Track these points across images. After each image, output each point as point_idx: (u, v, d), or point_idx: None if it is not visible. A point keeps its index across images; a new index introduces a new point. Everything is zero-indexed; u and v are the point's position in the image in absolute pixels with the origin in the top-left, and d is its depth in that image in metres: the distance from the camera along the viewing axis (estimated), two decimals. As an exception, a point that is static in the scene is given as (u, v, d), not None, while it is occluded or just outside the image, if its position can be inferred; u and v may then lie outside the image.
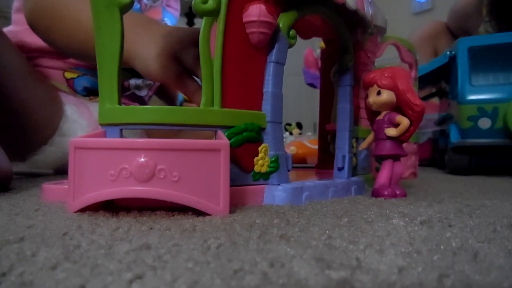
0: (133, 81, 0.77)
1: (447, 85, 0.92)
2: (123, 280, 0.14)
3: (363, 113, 0.47)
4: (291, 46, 0.35)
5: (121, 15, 0.29)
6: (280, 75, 0.35)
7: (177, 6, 0.84)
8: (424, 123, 0.97)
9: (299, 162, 0.92)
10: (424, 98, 1.08)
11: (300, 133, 1.20)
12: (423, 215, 0.28)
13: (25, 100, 0.62)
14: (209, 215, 0.27)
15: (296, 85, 1.95)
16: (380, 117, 0.39)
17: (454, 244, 0.20)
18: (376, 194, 0.38)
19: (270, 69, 0.34)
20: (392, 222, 0.26)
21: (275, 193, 0.33)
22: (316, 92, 0.58)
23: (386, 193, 0.37)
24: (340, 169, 0.42)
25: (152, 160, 0.25)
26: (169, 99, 0.91)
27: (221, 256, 0.17)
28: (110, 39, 0.29)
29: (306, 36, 0.45)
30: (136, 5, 0.74)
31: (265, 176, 0.34)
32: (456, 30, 1.34)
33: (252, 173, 0.33)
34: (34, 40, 0.66)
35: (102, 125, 0.31)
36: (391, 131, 0.37)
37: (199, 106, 0.31)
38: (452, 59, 0.84)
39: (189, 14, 2.08)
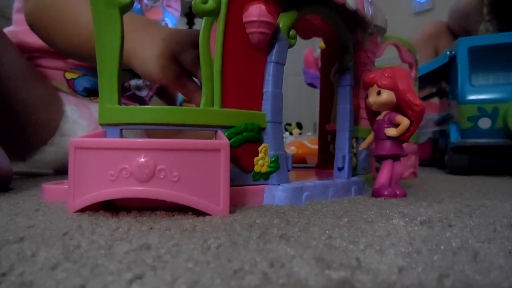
0: (133, 82, 0.77)
1: (447, 85, 0.92)
2: (123, 280, 0.14)
3: (363, 113, 0.47)
4: (291, 46, 0.35)
5: (121, 15, 0.29)
6: (280, 75, 0.35)
7: (178, 6, 0.84)
8: (424, 123, 0.97)
9: (299, 162, 0.92)
10: (424, 98, 1.08)
11: (300, 133, 1.19)
12: (423, 215, 0.28)
13: (25, 100, 0.62)
14: (209, 215, 0.27)
15: (296, 85, 1.95)
16: (380, 117, 0.39)
17: (454, 244, 0.20)
18: (376, 194, 0.38)
19: (270, 69, 0.34)
20: (392, 222, 0.26)
21: (275, 193, 0.33)
22: (316, 92, 0.58)
23: (386, 193, 0.37)
24: (340, 169, 0.42)
25: (152, 160, 0.25)
26: (170, 100, 0.91)
27: (221, 256, 0.17)
28: (110, 39, 0.29)
29: (306, 36, 0.45)
30: (137, 5, 0.74)
31: (265, 176, 0.34)
32: (456, 29, 1.34)
33: (252, 173, 0.33)
34: (34, 40, 0.66)
35: (102, 125, 0.31)
36: (391, 131, 0.37)
37: (198, 107, 0.31)
38: (452, 59, 0.84)
39: (189, 14, 2.08)
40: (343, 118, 0.42)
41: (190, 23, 2.11)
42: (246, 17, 0.32)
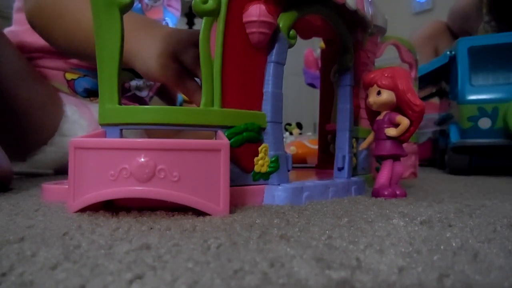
0: (134, 83, 0.77)
1: (447, 85, 0.92)
2: (123, 280, 0.14)
3: (363, 113, 0.47)
4: (291, 46, 0.35)
5: (121, 15, 0.29)
6: (280, 75, 0.35)
7: (178, 6, 0.84)
8: (424, 123, 0.97)
9: (299, 162, 0.92)
10: (424, 98, 1.08)
11: (300, 133, 1.19)
12: (423, 215, 0.28)
13: (25, 100, 0.62)
14: (209, 215, 0.27)
15: (296, 85, 1.95)
16: (380, 117, 0.39)
17: (454, 244, 0.20)
18: (376, 194, 0.38)
19: (270, 69, 0.34)
20: (392, 222, 0.26)
21: (275, 193, 0.33)
22: (316, 92, 0.58)
23: (386, 193, 0.37)
24: (340, 169, 0.42)
25: (152, 160, 0.25)
26: (170, 100, 0.91)
27: (221, 256, 0.17)
28: (110, 39, 0.29)
29: (306, 36, 0.45)
30: (137, 5, 0.74)
31: (265, 176, 0.34)
32: (456, 30, 1.34)
33: (252, 173, 0.33)
34: (35, 40, 0.66)
35: (102, 125, 0.31)
36: (391, 131, 0.37)
37: (199, 106, 0.31)
38: (452, 59, 0.84)
39: (189, 14, 2.08)
40: (343, 118, 0.42)
41: (190, 23, 2.11)
42: (246, 17, 0.32)
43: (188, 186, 0.26)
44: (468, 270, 0.16)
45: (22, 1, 0.64)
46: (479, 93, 0.76)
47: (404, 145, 0.39)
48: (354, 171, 0.44)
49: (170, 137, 0.65)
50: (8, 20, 0.76)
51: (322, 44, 0.54)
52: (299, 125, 1.24)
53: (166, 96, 0.90)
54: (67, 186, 0.28)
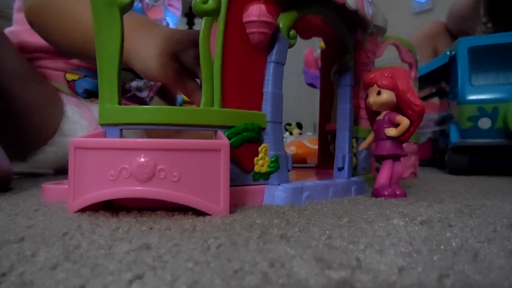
0: (134, 83, 0.77)
1: (447, 85, 0.92)
2: (123, 280, 0.14)
3: (363, 113, 0.47)
4: (291, 46, 0.35)
5: (121, 15, 0.29)
6: (280, 75, 0.35)
7: (179, 5, 0.84)
8: (424, 123, 0.97)
9: (299, 162, 0.92)
10: (424, 98, 1.08)
11: (300, 133, 1.20)
12: (423, 215, 0.28)
13: (25, 100, 0.62)
14: (209, 215, 0.27)
15: (296, 85, 1.95)
16: (380, 117, 0.39)
17: (454, 244, 0.20)
18: (376, 194, 0.38)
19: (270, 69, 0.34)
20: (392, 222, 0.26)
21: (275, 193, 0.33)
22: (316, 92, 0.58)
23: (386, 193, 0.37)
24: (340, 169, 0.42)
25: (152, 160, 0.25)
26: (170, 100, 0.91)
27: (221, 256, 0.17)
28: (110, 39, 0.29)
29: (306, 36, 0.45)
30: (138, 5, 0.74)
31: (265, 176, 0.34)
32: (455, 30, 1.34)
33: (252, 173, 0.33)
34: (35, 39, 0.66)
35: (102, 125, 0.31)
36: (391, 131, 0.37)
37: (198, 106, 0.31)
38: (452, 59, 0.84)
39: (189, 14, 2.08)
40: (343, 118, 0.42)
41: (190, 23, 2.11)
42: (246, 17, 0.32)
43: (188, 186, 0.26)
44: (468, 270, 0.16)
45: (22, 1, 0.64)
46: (479, 93, 0.76)
47: (404, 145, 0.39)
48: (354, 171, 0.44)
49: (170, 137, 0.65)
50: (8, 20, 0.76)
51: (322, 44, 0.54)
52: (299, 125, 1.24)
53: (166, 96, 0.90)
54: (67, 186, 0.28)
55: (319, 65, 0.59)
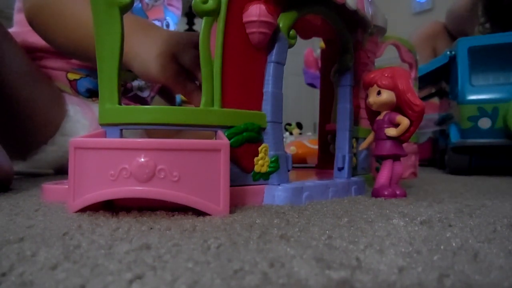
0: (135, 83, 0.77)
1: (447, 85, 0.92)
2: (123, 280, 0.14)
3: (363, 113, 0.47)
4: (291, 46, 0.35)
5: (121, 15, 0.29)
6: (280, 75, 0.35)
7: (179, 5, 0.84)
8: (424, 123, 0.97)
9: (299, 162, 0.92)
10: (424, 98, 1.08)
11: (300, 133, 1.19)
12: (423, 215, 0.28)
13: (28, 99, 0.62)
14: (209, 215, 0.27)
15: (296, 85, 1.95)
16: (380, 117, 0.39)
17: (454, 244, 0.20)
18: (376, 194, 0.38)
19: (270, 69, 0.34)
20: (392, 222, 0.26)
21: (275, 193, 0.33)
22: (316, 92, 0.58)
23: (386, 193, 0.37)
24: (340, 169, 0.42)
25: (152, 160, 0.25)
26: (171, 100, 0.91)
27: (221, 256, 0.17)
28: (110, 39, 0.29)
29: (306, 36, 0.45)
30: (138, 5, 0.74)
31: (265, 176, 0.34)
32: (453, 31, 1.35)
33: (252, 173, 0.33)
34: (36, 40, 0.66)
35: (102, 125, 0.31)
36: (391, 131, 0.37)
37: (197, 106, 0.31)
38: (452, 59, 0.84)
39: (189, 14, 2.07)
40: (343, 118, 0.42)
41: (190, 23, 2.11)
42: (246, 17, 0.32)
43: (188, 186, 0.26)
44: (468, 270, 0.16)
45: (22, 1, 0.64)
46: (479, 93, 0.76)
47: (404, 145, 0.39)
48: (354, 171, 0.44)
49: (170, 137, 0.65)
50: (9, 20, 0.76)
51: (322, 44, 0.54)
52: (299, 125, 1.24)
53: (167, 95, 0.90)
54: (67, 186, 0.28)
55: (319, 65, 0.59)
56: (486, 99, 0.76)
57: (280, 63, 0.35)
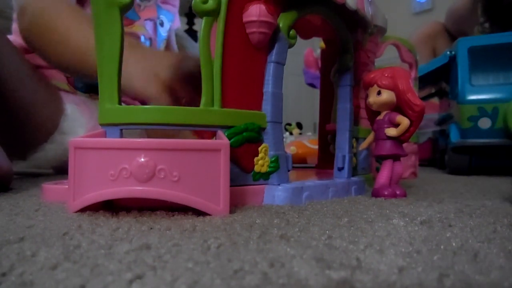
0: None
1: (447, 85, 0.92)
2: (123, 280, 0.14)
3: (363, 113, 0.47)
4: (291, 46, 0.35)
5: (121, 15, 0.29)
6: (280, 75, 0.35)
7: (175, 2, 0.84)
8: (424, 123, 0.97)
9: (299, 162, 0.92)
10: (424, 98, 1.08)
11: (300, 133, 1.19)
12: (423, 215, 0.28)
13: (25, 98, 0.62)
14: (209, 215, 0.27)
15: (296, 85, 1.95)
16: (380, 117, 0.39)
17: (454, 244, 0.20)
18: (376, 194, 0.38)
19: (270, 69, 0.34)
20: (392, 222, 0.26)
21: (275, 193, 0.33)
22: (316, 92, 0.58)
23: (386, 193, 0.37)
24: (340, 169, 0.42)
25: (152, 160, 0.25)
26: (174, 99, 0.91)
27: (221, 256, 0.17)
28: (110, 39, 0.29)
29: (306, 36, 0.45)
30: None
31: (265, 176, 0.34)
32: (453, 31, 1.35)
33: (252, 173, 0.33)
34: None
35: (102, 125, 0.31)
36: (391, 131, 0.37)
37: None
38: (452, 59, 0.84)
39: (189, 14, 2.08)
40: (343, 118, 0.42)
41: (190, 23, 2.11)
42: (246, 17, 0.32)
43: (188, 186, 0.26)
44: (468, 270, 0.16)
45: (17, 22, 0.65)
46: (479, 93, 0.76)
47: (404, 145, 0.39)
48: (354, 171, 0.44)
49: (170, 137, 0.66)
50: (8, 20, 0.76)
51: (322, 44, 0.54)
52: (299, 125, 1.24)
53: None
54: (67, 186, 0.28)
55: (319, 65, 0.59)
56: (486, 99, 0.76)
57: (280, 63, 0.35)
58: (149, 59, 0.48)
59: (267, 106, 0.34)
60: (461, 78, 0.79)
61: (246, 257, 0.17)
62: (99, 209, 0.28)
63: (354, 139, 0.45)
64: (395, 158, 0.39)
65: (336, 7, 0.37)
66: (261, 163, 0.33)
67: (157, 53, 0.53)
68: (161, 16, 0.81)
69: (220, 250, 0.19)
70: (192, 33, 1.60)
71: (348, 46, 0.42)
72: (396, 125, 0.37)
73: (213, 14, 0.30)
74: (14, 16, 0.73)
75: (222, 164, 0.27)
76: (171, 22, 0.84)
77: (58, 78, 0.71)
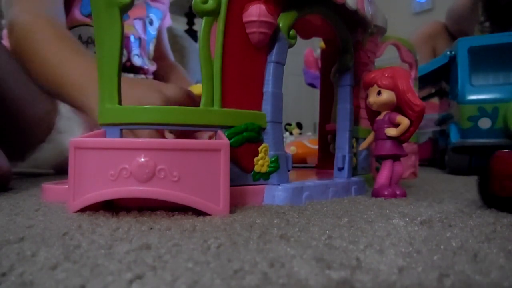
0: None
1: (447, 85, 0.92)
2: (123, 280, 0.14)
3: (363, 113, 0.47)
4: (291, 46, 0.35)
5: (121, 15, 0.29)
6: (280, 75, 0.35)
7: None
8: (424, 123, 0.97)
9: (299, 162, 0.92)
10: (424, 98, 1.08)
11: (300, 133, 1.19)
12: (423, 215, 0.28)
13: (16, 97, 0.62)
14: (209, 215, 0.27)
15: (296, 85, 1.95)
16: (380, 117, 0.39)
17: (454, 244, 0.20)
18: (376, 194, 0.38)
19: (270, 69, 0.34)
20: (392, 222, 0.26)
21: (275, 193, 0.33)
22: (316, 92, 0.58)
23: (386, 193, 0.37)
24: (340, 169, 0.42)
25: (152, 160, 0.25)
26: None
27: (221, 256, 0.17)
28: (110, 39, 0.29)
29: (306, 36, 0.45)
30: None
31: (265, 176, 0.34)
32: (453, 30, 1.35)
33: (252, 173, 0.33)
34: None
35: (102, 125, 0.31)
36: (391, 131, 0.37)
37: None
38: (452, 59, 0.84)
39: (189, 14, 2.08)
40: (343, 118, 0.42)
41: (190, 23, 2.11)
42: (246, 17, 0.32)
43: (188, 186, 0.26)
44: (468, 270, 0.16)
45: (7, 32, 0.66)
46: (479, 93, 0.76)
47: (404, 145, 0.39)
48: (354, 171, 0.44)
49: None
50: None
51: (322, 44, 0.54)
52: (299, 125, 1.24)
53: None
54: (67, 186, 0.28)
55: (319, 65, 0.59)
56: (486, 99, 0.75)
57: (280, 63, 0.35)
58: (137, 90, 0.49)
59: (267, 106, 0.34)
60: (461, 78, 0.79)
61: (246, 257, 0.17)
62: (99, 209, 0.28)
63: (354, 139, 0.45)
64: (395, 158, 0.39)
65: (336, 7, 0.37)
66: (261, 163, 0.33)
67: (145, 84, 0.54)
68: (150, 14, 0.81)
69: (220, 250, 0.19)
70: (192, 33, 1.60)
71: (348, 46, 0.42)
72: (396, 125, 0.37)
73: (213, 14, 0.30)
74: (4, 22, 0.73)
75: (222, 164, 0.27)
76: (160, 20, 0.84)
77: None
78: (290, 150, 0.94)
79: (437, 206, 0.33)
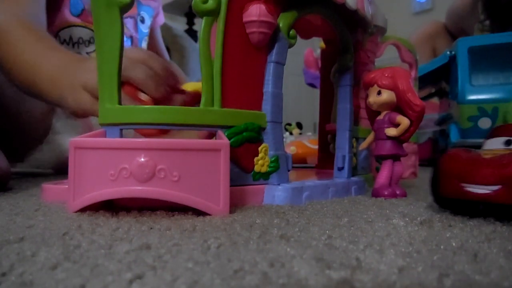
0: None
1: (447, 85, 0.92)
2: (123, 280, 0.14)
3: (363, 113, 0.47)
4: (291, 46, 0.35)
5: (121, 15, 0.29)
6: (280, 75, 0.35)
7: None
8: (424, 123, 0.97)
9: (299, 162, 0.92)
10: (424, 98, 1.08)
11: (300, 133, 1.19)
12: (423, 215, 0.28)
13: (14, 99, 0.62)
14: (209, 215, 0.27)
15: (296, 85, 1.95)
16: (380, 117, 0.39)
17: (454, 244, 0.20)
18: (376, 194, 0.38)
19: (270, 69, 0.34)
20: (392, 222, 0.26)
21: (275, 193, 0.33)
22: (316, 92, 0.58)
23: (386, 193, 0.37)
24: (340, 169, 0.42)
25: (152, 160, 0.25)
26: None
27: (221, 256, 0.17)
28: (110, 39, 0.29)
29: (306, 36, 0.45)
30: None
31: (265, 176, 0.34)
32: (454, 30, 1.35)
33: (252, 173, 0.33)
34: None
35: (102, 125, 0.31)
36: (391, 131, 0.37)
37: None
38: (452, 59, 0.84)
39: (189, 14, 2.08)
40: (343, 118, 0.42)
41: (190, 23, 2.11)
42: (246, 17, 0.32)
43: (188, 186, 0.26)
44: (468, 270, 0.16)
45: None
46: (479, 93, 0.76)
47: (404, 145, 0.39)
48: (354, 171, 0.44)
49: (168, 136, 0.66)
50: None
51: (322, 44, 0.54)
52: (299, 125, 1.24)
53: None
54: (67, 186, 0.28)
55: (319, 65, 0.59)
56: (486, 99, 0.75)
57: (280, 63, 0.35)
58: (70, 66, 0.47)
59: (267, 106, 0.34)
60: (461, 78, 0.79)
61: (246, 257, 0.17)
62: (99, 209, 0.28)
63: (354, 139, 0.45)
64: (395, 158, 0.39)
65: (336, 7, 0.37)
66: (261, 163, 0.33)
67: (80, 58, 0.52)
68: (142, 12, 0.80)
69: (220, 250, 0.19)
70: (192, 33, 1.60)
71: (348, 46, 0.42)
72: (396, 125, 0.37)
73: (213, 14, 0.30)
74: None
75: (222, 164, 0.27)
76: (152, 18, 0.83)
77: None
78: (290, 150, 0.94)
79: (437, 206, 0.33)
